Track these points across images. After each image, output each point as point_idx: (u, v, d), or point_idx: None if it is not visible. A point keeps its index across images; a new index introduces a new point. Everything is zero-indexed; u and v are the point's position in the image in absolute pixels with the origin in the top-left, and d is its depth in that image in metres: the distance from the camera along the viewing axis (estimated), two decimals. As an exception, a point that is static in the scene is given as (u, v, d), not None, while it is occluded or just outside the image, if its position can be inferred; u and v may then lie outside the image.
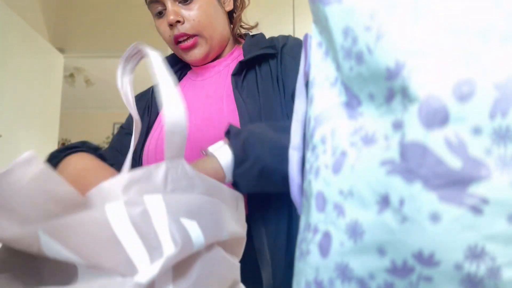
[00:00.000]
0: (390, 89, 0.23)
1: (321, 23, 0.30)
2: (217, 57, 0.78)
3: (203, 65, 0.78)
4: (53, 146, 2.89)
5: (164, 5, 0.70)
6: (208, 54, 0.74)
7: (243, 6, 0.80)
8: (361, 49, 0.24)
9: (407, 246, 0.21)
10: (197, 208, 0.34)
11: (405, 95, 0.22)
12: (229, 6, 0.77)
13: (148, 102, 0.78)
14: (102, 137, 4.81)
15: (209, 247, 0.34)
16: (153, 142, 0.71)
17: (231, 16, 0.80)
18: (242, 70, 0.70)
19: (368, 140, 0.25)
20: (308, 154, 0.30)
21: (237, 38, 0.82)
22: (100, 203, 0.31)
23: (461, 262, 0.20)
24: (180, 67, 0.82)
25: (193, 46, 0.71)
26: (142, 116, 0.76)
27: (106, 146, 0.82)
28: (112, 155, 0.75)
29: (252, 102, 0.66)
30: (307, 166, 0.30)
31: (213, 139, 0.58)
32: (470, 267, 0.20)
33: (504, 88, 0.20)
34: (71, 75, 3.97)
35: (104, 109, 4.95)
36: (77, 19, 3.06)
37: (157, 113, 0.76)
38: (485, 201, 0.20)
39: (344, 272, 0.24)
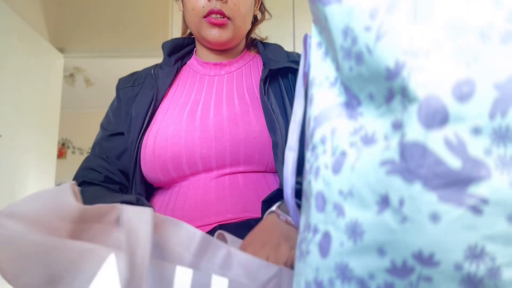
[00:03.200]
0: (390, 89, 0.23)
1: (321, 23, 0.30)
2: (226, 51, 0.79)
3: (215, 62, 0.78)
4: (53, 146, 2.88)
5: None
6: (230, 40, 0.75)
7: (263, 18, 0.85)
8: (361, 49, 0.24)
9: (407, 246, 0.21)
10: None
11: (405, 95, 0.22)
12: (257, 11, 0.82)
13: (155, 84, 0.76)
14: (102, 137, 4.80)
15: None
16: (153, 133, 0.70)
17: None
18: (267, 77, 0.72)
19: (368, 140, 0.25)
20: (308, 154, 0.30)
21: (248, 42, 0.85)
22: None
23: (461, 262, 0.20)
24: (181, 55, 0.83)
25: (221, 25, 0.72)
26: (148, 95, 0.74)
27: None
28: (99, 164, 0.74)
29: (280, 113, 0.69)
30: (307, 166, 0.30)
31: (236, 140, 0.65)
32: (470, 267, 0.20)
33: (503, 88, 0.20)
34: (71, 75, 3.96)
35: (104, 109, 4.92)
36: (77, 19, 3.05)
37: (163, 94, 0.75)
38: (485, 201, 0.20)
39: (344, 272, 0.24)
